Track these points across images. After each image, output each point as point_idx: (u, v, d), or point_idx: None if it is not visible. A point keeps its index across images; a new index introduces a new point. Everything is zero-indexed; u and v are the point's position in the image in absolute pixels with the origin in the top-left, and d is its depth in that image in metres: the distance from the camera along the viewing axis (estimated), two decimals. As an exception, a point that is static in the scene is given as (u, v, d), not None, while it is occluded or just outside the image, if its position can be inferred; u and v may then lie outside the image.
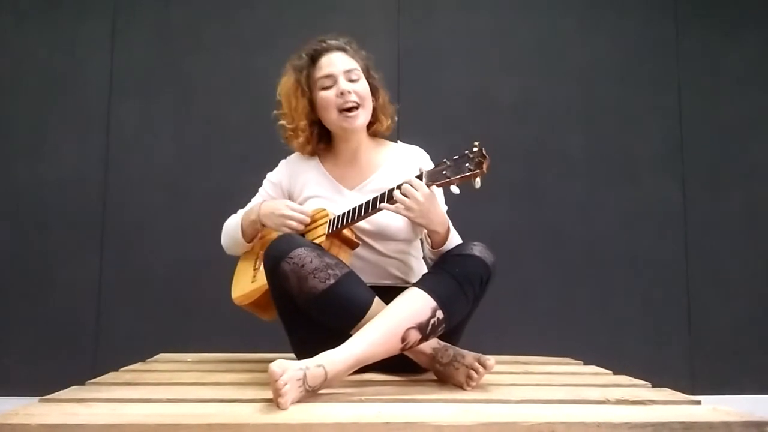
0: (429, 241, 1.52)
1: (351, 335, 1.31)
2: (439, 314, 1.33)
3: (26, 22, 2.62)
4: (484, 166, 1.30)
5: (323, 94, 1.62)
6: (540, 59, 2.73)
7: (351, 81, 1.61)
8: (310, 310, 1.40)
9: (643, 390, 1.40)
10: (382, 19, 2.70)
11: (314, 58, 1.64)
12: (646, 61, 2.76)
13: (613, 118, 2.73)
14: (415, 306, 1.32)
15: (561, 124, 2.71)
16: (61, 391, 1.27)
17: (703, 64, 2.77)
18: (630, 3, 2.79)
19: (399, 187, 1.40)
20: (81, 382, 1.40)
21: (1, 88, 2.58)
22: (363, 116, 1.63)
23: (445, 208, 1.65)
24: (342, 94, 1.59)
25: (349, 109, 1.60)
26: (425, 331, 1.32)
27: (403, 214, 1.40)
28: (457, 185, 1.35)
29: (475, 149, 1.31)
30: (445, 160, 1.36)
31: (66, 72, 2.61)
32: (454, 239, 1.55)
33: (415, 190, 1.37)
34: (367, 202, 1.47)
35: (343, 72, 1.61)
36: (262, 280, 1.54)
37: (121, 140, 2.59)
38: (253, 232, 1.69)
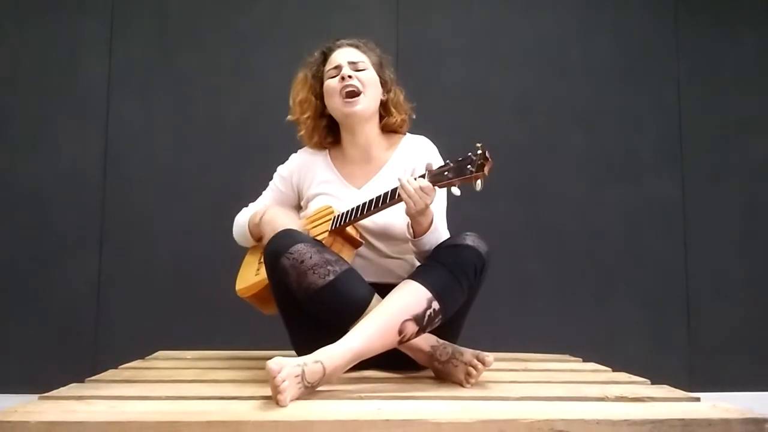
0: (411, 231, 1.47)
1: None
2: (435, 305, 1.33)
3: (25, 19, 2.61)
4: (486, 169, 1.28)
5: (328, 82, 1.65)
6: (539, 56, 2.73)
7: (357, 71, 1.64)
8: (309, 305, 1.40)
9: (642, 387, 1.40)
10: (381, 16, 2.69)
11: (326, 55, 1.69)
12: (645, 59, 2.75)
13: (612, 116, 2.72)
14: (411, 298, 1.32)
15: (560, 122, 2.70)
16: (61, 389, 1.27)
17: (703, 62, 2.76)
18: (630, 1, 2.78)
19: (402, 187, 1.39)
20: (80, 379, 1.40)
21: (-1, 85, 2.58)
22: (364, 102, 1.62)
23: (444, 203, 1.65)
24: (343, 78, 1.61)
25: (350, 95, 1.61)
26: (422, 322, 1.32)
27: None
28: (458, 186, 1.34)
29: (479, 151, 1.29)
30: (448, 161, 1.35)
31: (65, 69, 2.60)
32: (441, 233, 1.51)
33: (414, 188, 1.35)
34: (371, 201, 1.47)
35: (348, 62, 1.64)
36: (264, 273, 1.54)
37: (119, 138, 2.59)
38: (259, 233, 1.69)
